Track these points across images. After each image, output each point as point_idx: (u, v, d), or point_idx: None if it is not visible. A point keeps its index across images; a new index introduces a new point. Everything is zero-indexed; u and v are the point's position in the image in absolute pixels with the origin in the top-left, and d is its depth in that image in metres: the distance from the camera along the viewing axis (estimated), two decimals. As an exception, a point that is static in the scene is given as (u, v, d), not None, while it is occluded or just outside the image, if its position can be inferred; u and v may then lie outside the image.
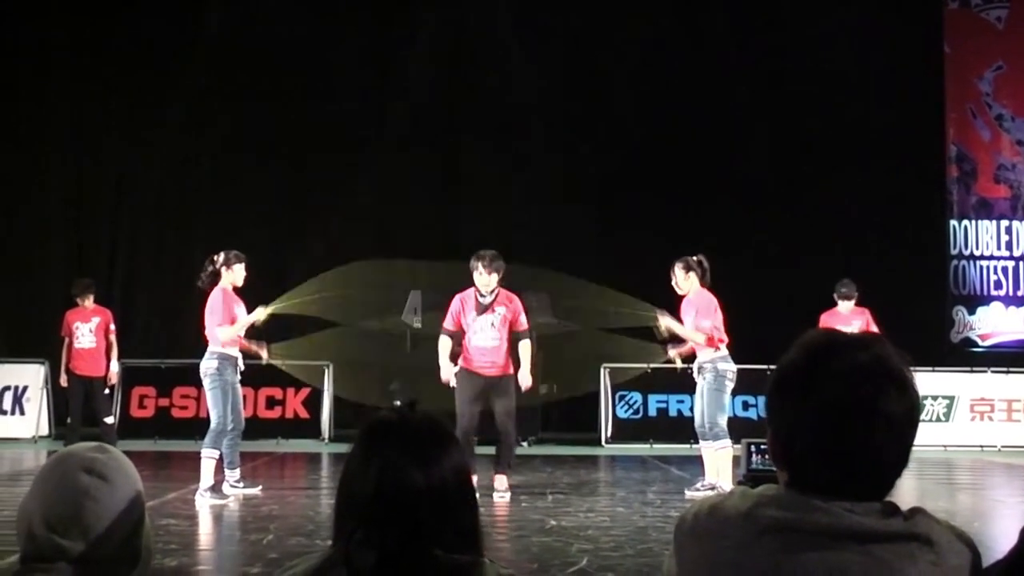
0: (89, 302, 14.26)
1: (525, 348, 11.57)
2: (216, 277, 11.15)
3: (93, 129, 20.12)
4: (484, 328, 11.46)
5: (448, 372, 11.47)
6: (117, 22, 19.86)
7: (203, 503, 10.50)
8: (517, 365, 11.56)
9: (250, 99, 19.77)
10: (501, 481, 11.34)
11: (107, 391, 14.45)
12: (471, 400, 11.33)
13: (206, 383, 11.04)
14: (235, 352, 11.09)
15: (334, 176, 19.49)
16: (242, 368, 11.21)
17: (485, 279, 11.43)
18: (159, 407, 17.74)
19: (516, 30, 19.81)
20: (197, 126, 19.95)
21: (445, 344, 11.58)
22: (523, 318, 11.64)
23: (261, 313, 11.35)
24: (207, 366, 11.00)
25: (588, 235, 18.99)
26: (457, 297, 11.66)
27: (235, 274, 11.20)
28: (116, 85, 19.82)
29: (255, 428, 16.56)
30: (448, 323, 11.61)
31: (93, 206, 20.28)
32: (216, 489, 10.78)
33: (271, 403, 17.76)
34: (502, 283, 11.59)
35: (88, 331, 14.13)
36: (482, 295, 11.50)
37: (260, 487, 11.47)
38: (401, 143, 19.33)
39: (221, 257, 11.22)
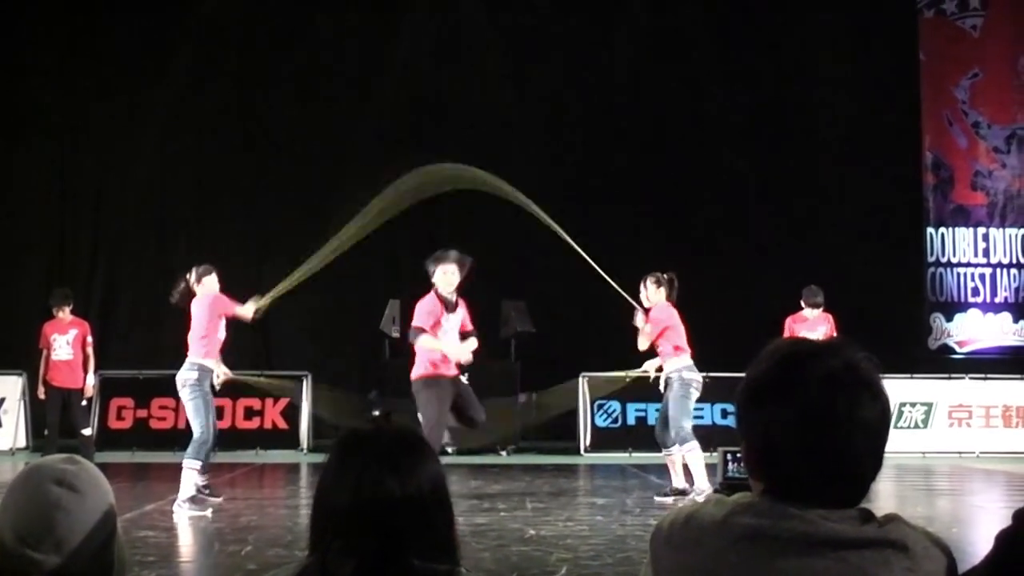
0: (66, 313, 14.18)
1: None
2: (190, 295, 11.18)
3: (73, 138, 20.04)
4: (452, 329, 11.36)
5: (460, 349, 11.31)
6: (97, 28, 19.83)
7: (182, 514, 10.44)
8: None
9: (231, 111, 19.78)
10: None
11: (84, 403, 14.38)
12: (446, 401, 11.17)
13: (184, 394, 11.00)
14: (213, 364, 11.12)
15: (317, 184, 19.47)
16: (216, 381, 11.25)
17: (453, 279, 11.31)
18: (137, 418, 17.64)
19: (496, 35, 19.83)
20: (178, 136, 19.91)
21: (432, 340, 11.18)
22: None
23: (250, 309, 11.39)
24: (186, 377, 10.97)
25: (561, 243, 18.93)
26: (429, 299, 11.35)
27: (207, 287, 11.23)
28: (97, 93, 19.74)
29: (233, 439, 16.53)
30: (427, 323, 11.19)
31: (72, 216, 20.21)
32: (196, 500, 10.73)
33: (249, 414, 17.71)
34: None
35: (66, 343, 14.05)
36: (448, 294, 11.36)
37: (222, 497, 11.39)
38: (383, 148, 19.29)
39: (192, 274, 11.29)
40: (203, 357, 10.98)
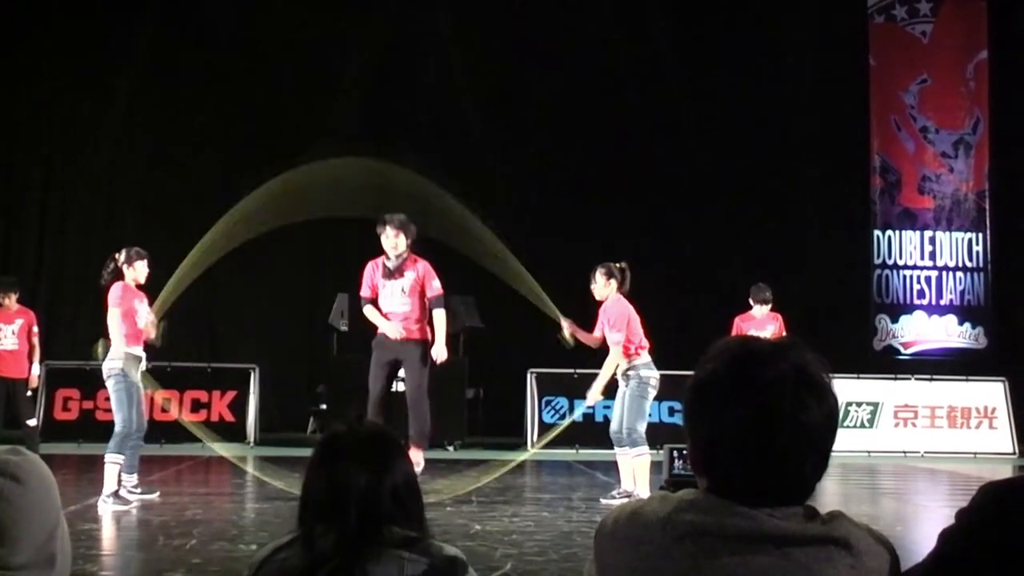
0: (12, 302, 14.00)
1: (439, 318, 11.22)
2: (118, 275, 10.93)
3: (22, 126, 19.85)
4: (394, 293, 11.20)
5: (390, 327, 11.12)
6: (52, 17, 19.64)
7: (106, 509, 10.25)
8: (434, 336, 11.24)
9: (183, 103, 19.60)
10: (416, 455, 10.84)
11: (29, 393, 14.21)
12: (382, 365, 11.12)
13: (110, 384, 10.71)
14: (139, 351, 10.89)
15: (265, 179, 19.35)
16: (145, 368, 11.02)
17: (392, 242, 11.15)
18: (83, 409, 17.43)
19: (444, 28, 19.78)
20: (128, 127, 19.76)
21: (372, 311, 11.27)
22: (435, 283, 11.25)
23: (150, 323, 11.04)
24: (111, 366, 10.67)
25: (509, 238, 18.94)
26: (369, 263, 11.39)
27: (137, 271, 10.92)
28: (47, 81, 19.58)
29: (180, 431, 16.38)
30: (364, 290, 11.34)
31: (21, 204, 20.02)
32: (119, 495, 10.56)
33: (196, 406, 17.55)
34: (419, 253, 11.41)
35: (11, 332, 13.88)
36: (389, 259, 11.23)
37: (158, 493, 11.22)
38: (333, 150, 19.20)
39: (123, 255, 10.93)
40: (127, 345, 10.71)
